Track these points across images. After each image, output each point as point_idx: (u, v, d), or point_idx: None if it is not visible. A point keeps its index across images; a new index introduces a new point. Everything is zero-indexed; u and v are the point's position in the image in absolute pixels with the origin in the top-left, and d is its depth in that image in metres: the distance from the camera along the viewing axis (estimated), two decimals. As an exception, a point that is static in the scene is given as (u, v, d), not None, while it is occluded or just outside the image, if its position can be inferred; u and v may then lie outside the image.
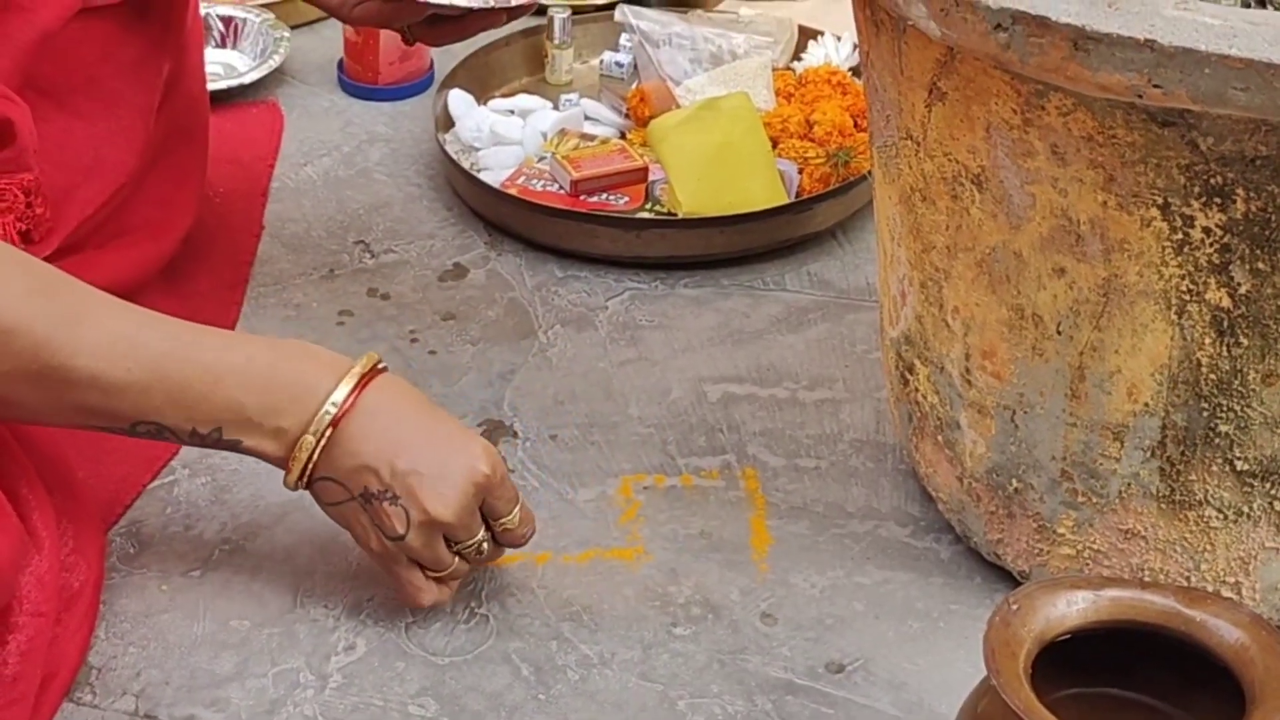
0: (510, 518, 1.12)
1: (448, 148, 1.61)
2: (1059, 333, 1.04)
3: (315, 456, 1.07)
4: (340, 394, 1.06)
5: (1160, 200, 0.96)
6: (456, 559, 1.11)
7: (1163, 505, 1.07)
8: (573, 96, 1.70)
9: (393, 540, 1.09)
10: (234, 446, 1.07)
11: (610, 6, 1.83)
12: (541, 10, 1.83)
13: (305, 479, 1.08)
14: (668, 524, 1.24)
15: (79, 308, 1.03)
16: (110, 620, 1.14)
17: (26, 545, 1.05)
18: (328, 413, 1.06)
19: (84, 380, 1.02)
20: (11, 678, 1.02)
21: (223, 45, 1.80)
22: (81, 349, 1.02)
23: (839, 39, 1.76)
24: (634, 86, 1.69)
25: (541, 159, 1.60)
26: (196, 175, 1.43)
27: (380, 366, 1.09)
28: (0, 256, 1.02)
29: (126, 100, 1.30)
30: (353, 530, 1.11)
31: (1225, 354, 1.01)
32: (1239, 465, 1.04)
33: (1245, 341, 1.00)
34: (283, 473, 1.09)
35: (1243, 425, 1.03)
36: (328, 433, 1.06)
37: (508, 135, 1.64)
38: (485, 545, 1.12)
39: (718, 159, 1.53)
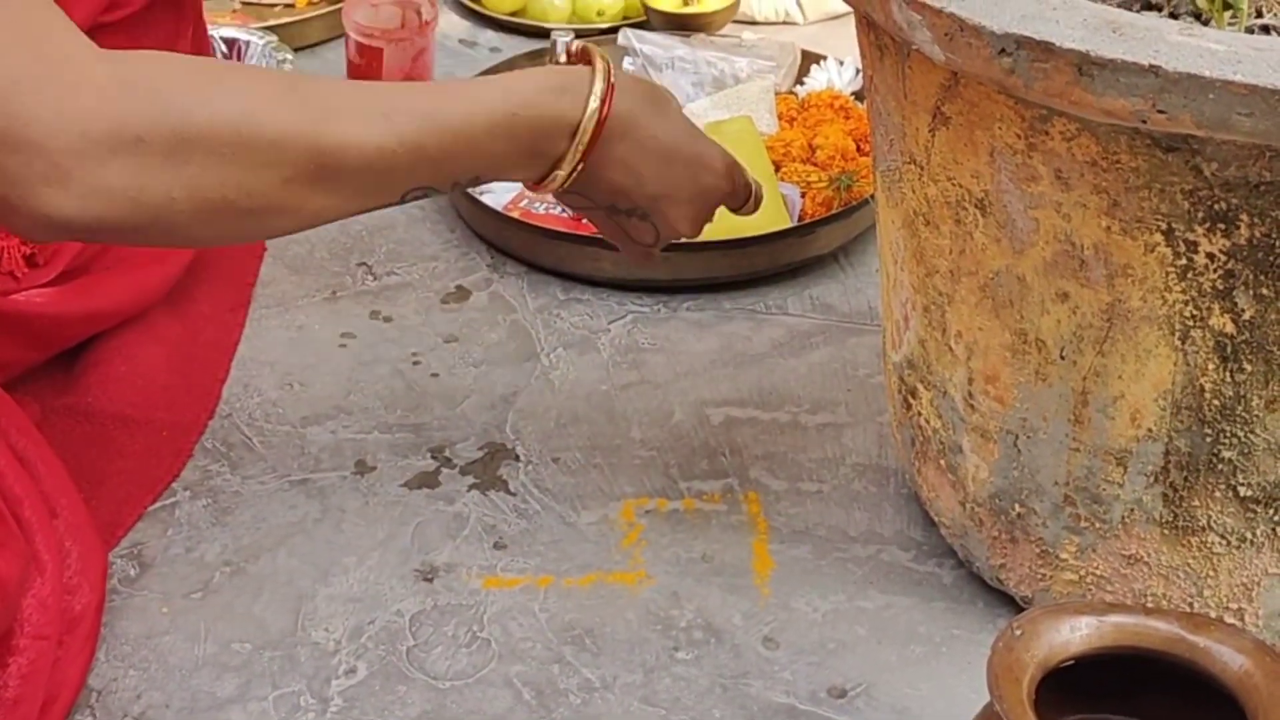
0: (745, 206, 1.26)
1: (451, 170, 1.60)
2: (1062, 357, 1.04)
3: (566, 185, 1.13)
4: (584, 128, 1.11)
5: (1164, 225, 0.97)
6: None
7: (1166, 531, 1.07)
8: (575, 119, 1.70)
9: (639, 244, 1.21)
10: (491, 181, 1.16)
11: (614, 30, 1.83)
12: (544, 33, 1.83)
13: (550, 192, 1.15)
14: (670, 548, 1.24)
15: (331, 102, 1.06)
16: (111, 642, 1.14)
17: (30, 567, 1.05)
18: (576, 150, 1.11)
19: (357, 169, 1.05)
20: (13, 701, 1.02)
21: (226, 67, 1.80)
22: (347, 141, 1.04)
23: (842, 63, 1.76)
24: (637, 110, 1.69)
25: (544, 182, 1.59)
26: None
27: (614, 84, 1.13)
28: (243, 74, 1.08)
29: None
30: (594, 222, 1.22)
31: (1229, 379, 1.01)
32: (1242, 491, 1.04)
33: (1249, 367, 1.00)
34: None
35: (1246, 451, 1.03)
36: (579, 166, 1.12)
37: (510, 158, 1.63)
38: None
39: (720, 182, 1.53)
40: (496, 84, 1.12)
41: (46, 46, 0.96)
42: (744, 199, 1.25)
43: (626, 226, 1.20)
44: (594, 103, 1.11)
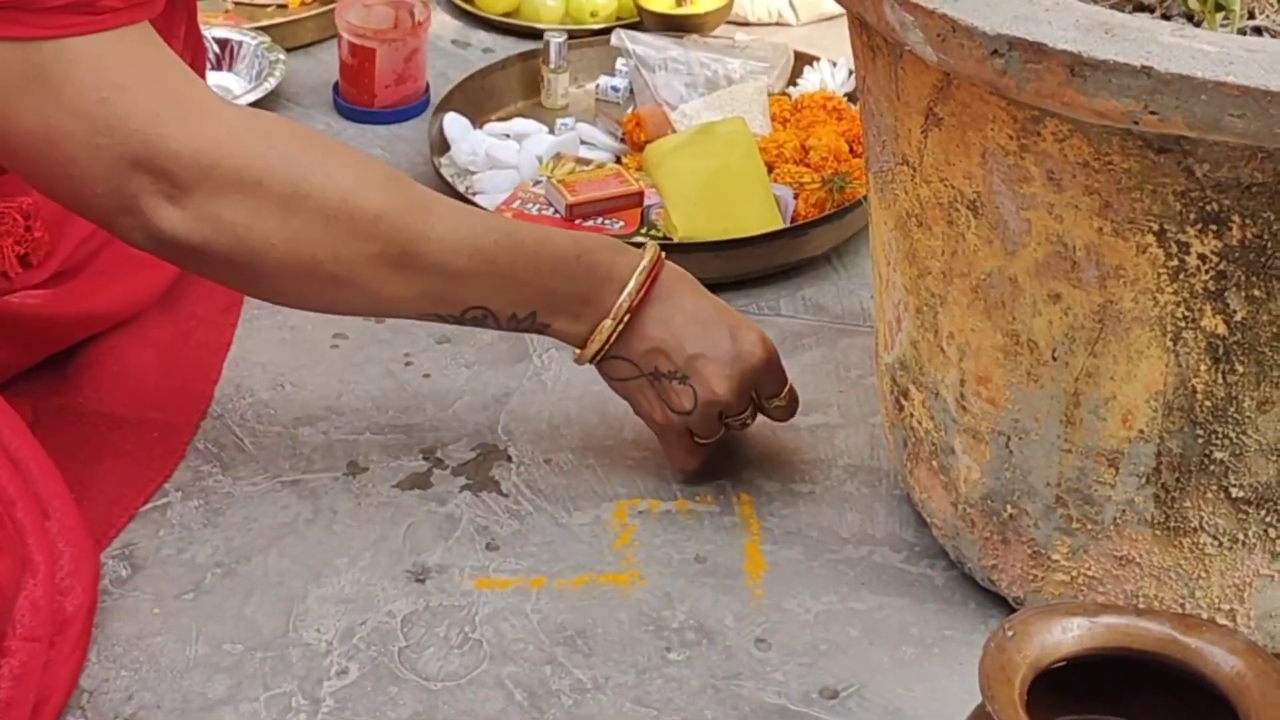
0: (779, 398, 1.27)
1: (443, 171, 1.61)
2: (1054, 359, 1.04)
3: (612, 339, 1.20)
4: (633, 284, 1.20)
5: (1156, 226, 0.97)
6: (724, 428, 1.26)
7: (1157, 532, 1.07)
8: (569, 120, 1.71)
9: (679, 415, 1.23)
10: (543, 329, 1.21)
11: (606, 31, 1.83)
12: (538, 34, 1.83)
13: (599, 358, 1.22)
14: (662, 549, 1.24)
15: (425, 199, 1.17)
16: (102, 643, 1.14)
17: (22, 569, 1.05)
18: (625, 301, 1.20)
19: (434, 265, 1.15)
20: (4, 703, 1.02)
21: (218, 68, 1.80)
22: (432, 235, 1.14)
23: (834, 64, 1.77)
24: (630, 111, 1.69)
25: (537, 183, 1.60)
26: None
27: (663, 256, 1.23)
28: (358, 155, 1.17)
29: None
30: (636, 403, 1.25)
31: (1220, 381, 1.01)
32: (1234, 492, 1.04)
33: (1240, 368, 1.00)
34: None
35: (1238, 452, 1.03)
36: (625, 319, 1.20)
37: (503, 159, 1.64)
38: (749, 419, 1.27)
39: (713, 184, 1.53)
40: (566, 233, 1.23)
41: (184, 89, 1.09)
42: (781, 382, 1.27)
43: (667, 393, 1.23)
44: (645, 262, 1.21)
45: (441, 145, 1.66)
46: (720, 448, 1.31)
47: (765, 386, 1.25)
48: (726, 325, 1.23)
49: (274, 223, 1.10)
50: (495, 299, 1.18)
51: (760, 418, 1.28)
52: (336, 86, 1.78)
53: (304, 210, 1.10)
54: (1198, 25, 1.01)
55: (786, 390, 1.27)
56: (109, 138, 1.06)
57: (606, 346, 1.21)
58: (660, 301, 1.21)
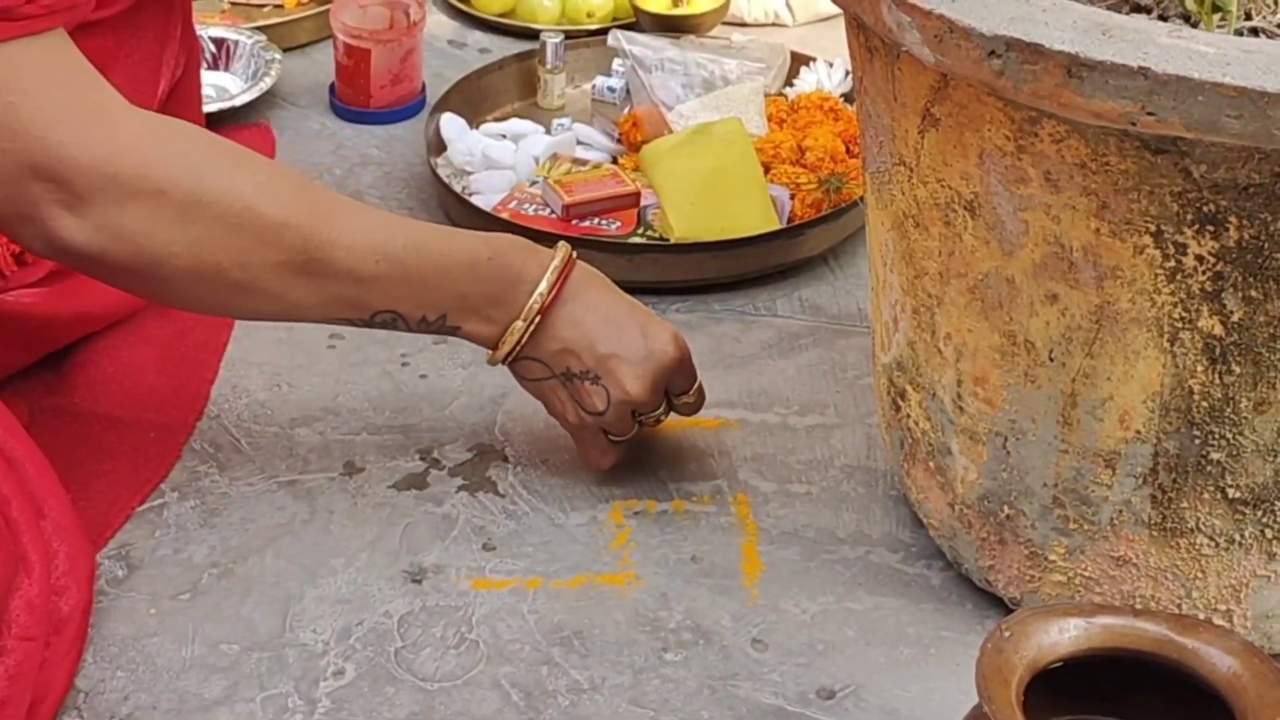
0: (689, 394, 1.27)
1: (440, 171, 1.61)
2: (1051, 359, 1.04)
3: (524, 340, 1.20)
4: (544, 285, 1.20)
5: (1153, 227, 0.97)
6: (637, 426, 1.26)
7: (1154, 532, 1.07)
8: (565, 121, 1.71)
9: (592, 415, 1.23)
10: (453, 331, 1.20)
11: (603, 31, 1.83)
12: (534, 35, 1.83)
13: (511, 358, 1.21)
14: (659, 549, 1.24)
15: (332, 205, 1.16)
16: (98, 644, 1.14)
17: (17, 568, 1.05)
18: (535, 302, 1.19)
19: (341, 271, 1.14)
20: (-1, 702, 1.02)
21: (214, 67, 1.80)
22: (339, 241, 1.14)
23: (831, 65, 1.77)
24: (626, 111, 1.69)
25: (534, 183, 1.60)
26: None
27: (574, 256, 1.23)
28: (264, 162, 1.16)
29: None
30: (549, 404, 1.25)
31: (1217, 381, 1.01)
32: (1230, 493, 1.04)
33: (1237, 369, 1.00)
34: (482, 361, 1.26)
35: (1234, 453, 1.03)
36: (536, 319, 1.20)
37: (500, 159, 1.64)
38: (661, 416, 1.26)
39: (710, 184, 1.53)
40: (476, 235, 1.22)
41: (88, 94, 1.08)
42: (692, 378, 1.26)
43: (580, 394, 1.22)
44: (556, 262, 1.20)
45: (438, 145, 1.66)
46: (715, 449, 1.31)
47: (677, 384, 1.25)
48: (638, 324, 1.23)
49: (175, 231, 1.09)
50: (404, 303, 1.17)
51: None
52: (332, 87, 1.78)
53: (206, 218, 1.09)
54: (1195, 26, 1.01)
55: (696, 387, 1.27)
56: (10, 143, 1.05)
57: (518, 348, 1.20)
58: (571, 301, 1.21)
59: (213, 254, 1.10)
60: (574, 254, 1.23)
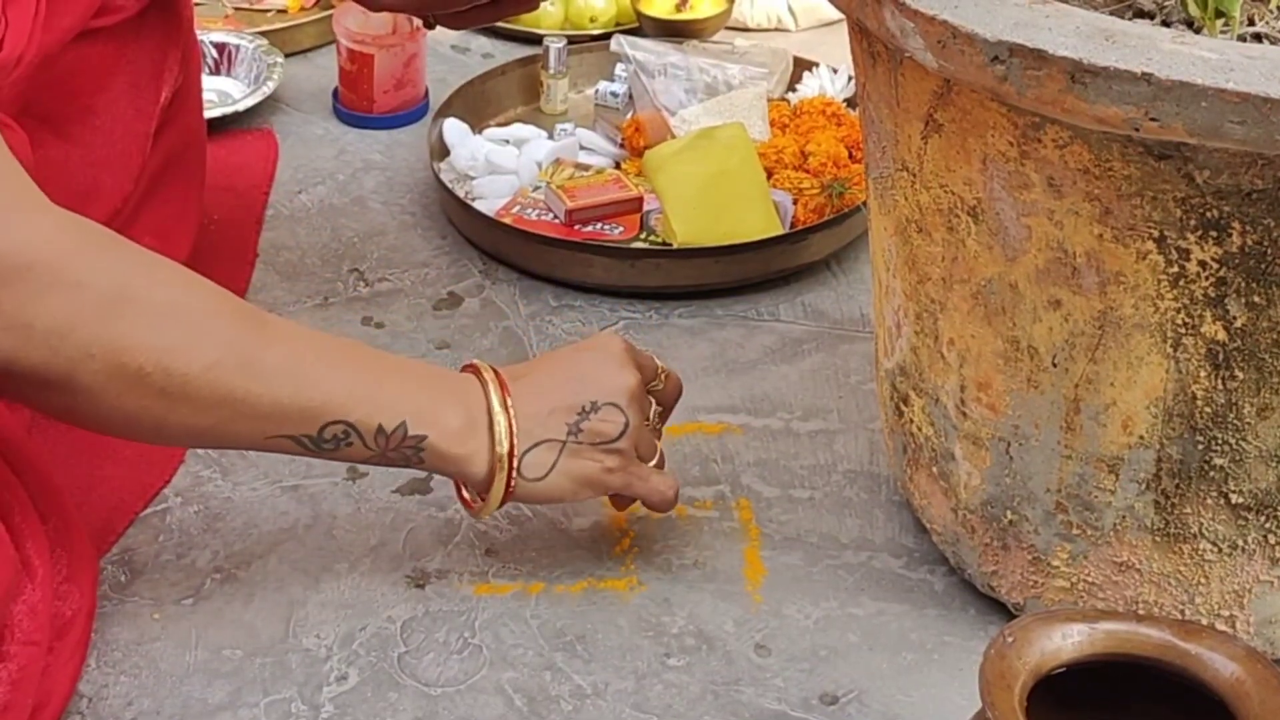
0: (659, 377, 1.19)
1: (443, 176, 1.61)
2: (1054, 365, 1.04)
3: (516, 436, 1.10)
4: (488, 373, 1.12)
5: (1156, 233, 0.97)
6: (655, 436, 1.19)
7: (1157, 538, 1.07)
8: (568, 126, 1.71)
9: (621, 437, 1.13)
10: (418, 444, 1.09)
11: (606, 36, 1.83)
12: (537, 40, 1.83)
13: (511, 469, 1.10)
14: (661, 554, 1.24)
15: (259, 310, 1.08)
16: (102, 649, 1.14)
17: (20, 573, 1.05)
18: (494, 393, 1.10)
19: (279, 369, 1.04)
20: (2, 707, 1.02)
21: (217, 72, 1.80)
22: (276, 336, 1.05)
23: (834, 70, 1.77)
24: (629, 116, 1.69)
25: (536, 188, 1.60)
26: (193, 207, 1.43)
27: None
28: (179, 268, 1.05)
29: (124, 126, 1.30)
30: (581, 476, 1.13)
31: (1220, 387, 1.01)
32: (1233, 498, 1.04)
33: (1240, 375, 1.00)
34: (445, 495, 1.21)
35: (1237, 458, 1.03)
36: (511, 407, 1.10)
37: (503, 164, 1.64)
38: (660, 412, 1.20)
39: (713, 189, 1.53)
40: (400, 358, 1.15)
41: (3, 185, 0.97)
42: (651, 364, 1.19)
43: (596, 432, 1.13)
44: (484, 367, 1.13)
45: (441, 150, 1.66)
46: (718, 454, 1.31)
47: (645, 367, 1.17)
48: (573, 350, 1.17)
49: (95, 328, 0.98)
50: (356, 408, 1.06)
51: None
52: (336, 92, 1.78)
53: (129, 314, 0.99)
54: (1198, 32, 1.01)
55: (662, 368, 1.20)
56: None
57: (512, 446, 1.10)
58: (516, 380, 1.12)
59: (134, 356, 0.99)
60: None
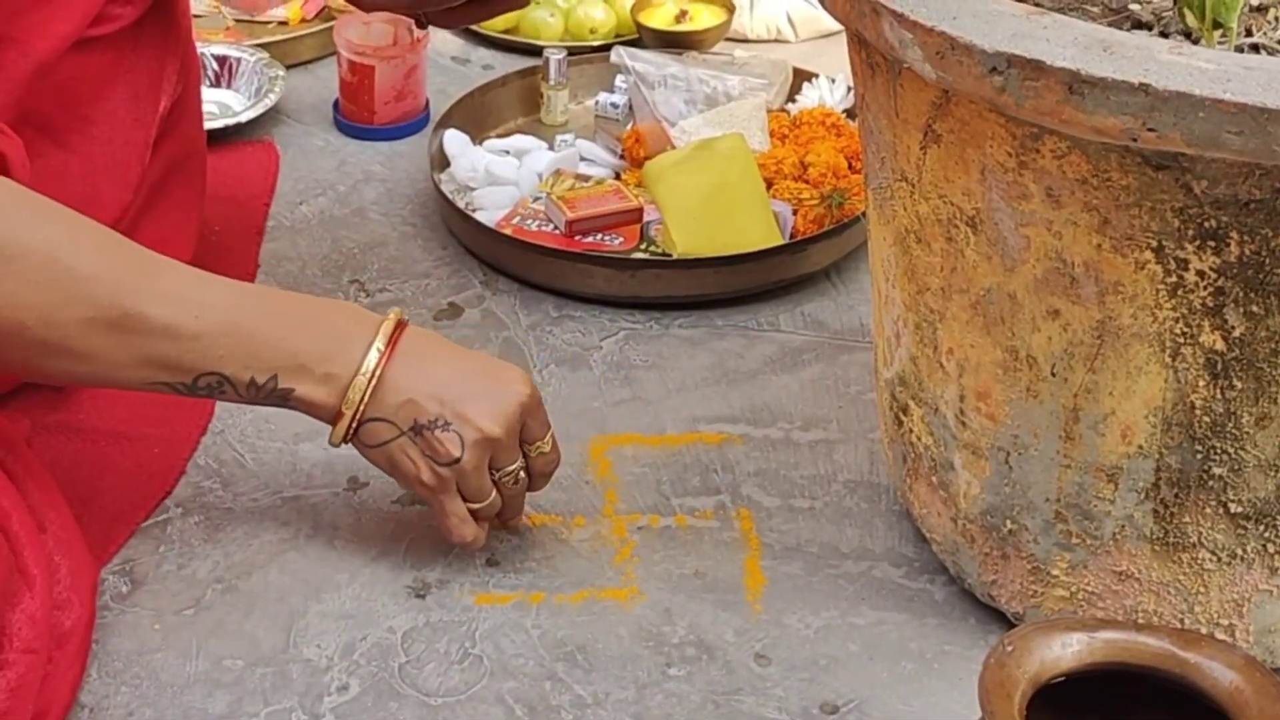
0: (544, 441, 1.19)
1: (443, 187, 1.61)
2: (1053, 374, 1.05)
3: (366, 398, 1.12)
4: (380, 340, 1.13)
5: (1154, 243, 0.97)
6: (494, 493, 1.18)
7: (1156, 547, 1.07)
8: (568, 137, 1.71)
9: (448, 466, 1.14)
10: (286, 396, 1.12)
11: (606, 48, 1.83)
12: (537, 51, 1.84)
13: (355, 422, 1.13)
14: (662, 564, 1.24)
15: (148, 261, 1.10)
16: (102, 659, 1.14)
17: (18, 582, 1.05)
18: (373, 356, 1.12)
19: (157, 328, 1.07)
20: (1, 715, 1.02)
21: (217, 84, 1.80)
22: (155, 296, 1.07)
23: (833, 81, 1.77)
24: (629, 127, 1.70)
25: (537, 199, 1.60)
26: (194, 218, 1.44)
27: (405, 320, 1.16)
28: (71, 215, 1.07)
29: (123, 136, 1.31)
30: (399, 468, 1.16)
31: (1219, 397, 1.01)
32: (1232, 507, 1.04)
33: (1239, 384, 1.00)
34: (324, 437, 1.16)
35: (1236, 468, 1.03)
36: (377, 373, 1.12)
37: (503, 175, 1.64)
38: (521, 474, 1.18)
39: (712, 200, 1.53)
40: (303, 295, 1.18)
41: None
42: (546, 424, 1.19)
43: (432, 445, 1.14)
44: (387, 323, 1.15)
45: (441, 162, 1.66)
46: (718, 464, 1.31)
47: (531, 429, 1.18)
48: (483, 366, 1.18)
49: None
50: (230, 363, 1.10)
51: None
52: (336, 103, 1.78)
53: (9, 272, 1.02)
54: (1195, 43, 1.01)
55: (550, 436, 1.19)
56: None
57: (360, 408, 1.13)
58: (410, 354, 1.14)
59: (15, 311, 1.03)
60: (404, 319, 1.16)
